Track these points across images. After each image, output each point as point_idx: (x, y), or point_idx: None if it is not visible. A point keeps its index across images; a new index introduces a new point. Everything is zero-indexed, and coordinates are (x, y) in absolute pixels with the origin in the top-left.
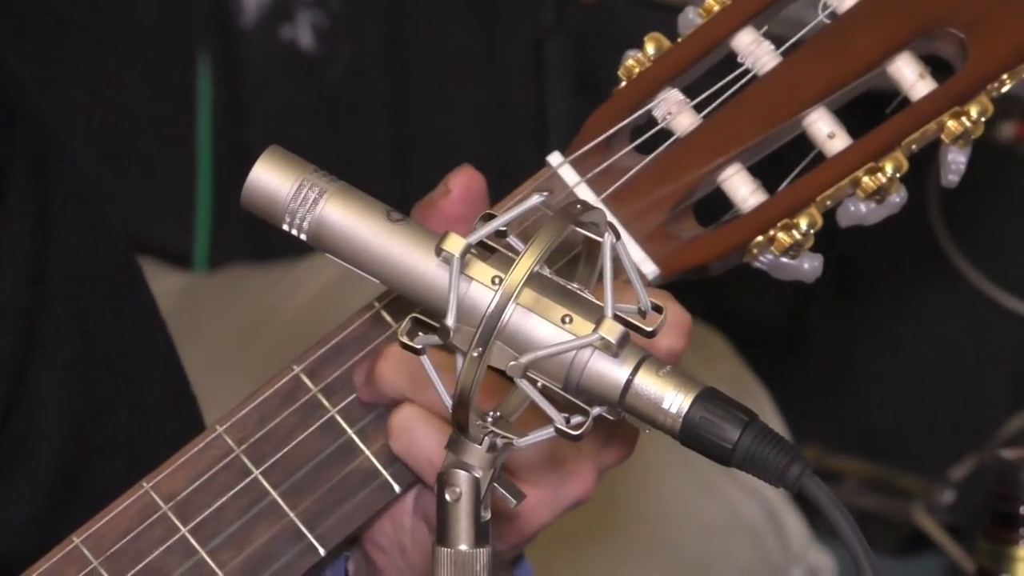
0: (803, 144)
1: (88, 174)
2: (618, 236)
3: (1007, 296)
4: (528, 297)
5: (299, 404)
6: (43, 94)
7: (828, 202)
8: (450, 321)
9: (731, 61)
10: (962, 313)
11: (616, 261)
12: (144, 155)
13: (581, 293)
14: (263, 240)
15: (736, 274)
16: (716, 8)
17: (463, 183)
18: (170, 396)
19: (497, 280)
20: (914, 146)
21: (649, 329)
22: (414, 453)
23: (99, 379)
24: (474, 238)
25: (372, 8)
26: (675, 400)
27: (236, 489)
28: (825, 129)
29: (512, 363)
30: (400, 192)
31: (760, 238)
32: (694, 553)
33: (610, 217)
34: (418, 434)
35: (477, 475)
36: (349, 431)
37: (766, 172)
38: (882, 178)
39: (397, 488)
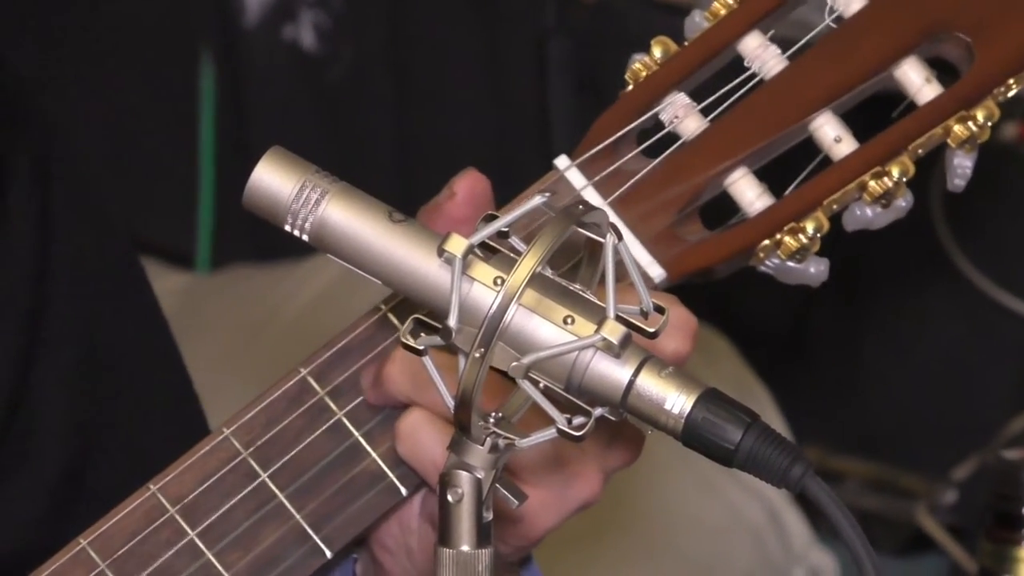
0: (810, 148)
1: (90, 173)
2: (620, 237)
3: (1010, 297)
4: (530, 298)
5: (306, 407)
6: (45, 94)
7: (835, 206)
8: (452, 322)
9: (738, 65)
10: (965, 314)
11: (618, 262)
12: (146, 155)
13: (583, 294)
14: (265, 241)
15: (739, 276)
16: (723, 12)
17: (468, 186)
18: (173, 396)
19: (499, 281)
20: (920, 150)
21: (651, 330)
22: (419, 456)
23: (102, 379)
24: (476, 239)
25: (374, 8)
26: (677, 401)
27: (243, 492)
28: (832, 133)
29: (514, 364)
30: (402, 192)
31: (767, 242)
32: (696, 554)
33: (614, 219)
34: (424, 438)
35: (479, 476)
36: (356, 433)
37: (773, 176)
38: (888, 182)
39: (404, 491)
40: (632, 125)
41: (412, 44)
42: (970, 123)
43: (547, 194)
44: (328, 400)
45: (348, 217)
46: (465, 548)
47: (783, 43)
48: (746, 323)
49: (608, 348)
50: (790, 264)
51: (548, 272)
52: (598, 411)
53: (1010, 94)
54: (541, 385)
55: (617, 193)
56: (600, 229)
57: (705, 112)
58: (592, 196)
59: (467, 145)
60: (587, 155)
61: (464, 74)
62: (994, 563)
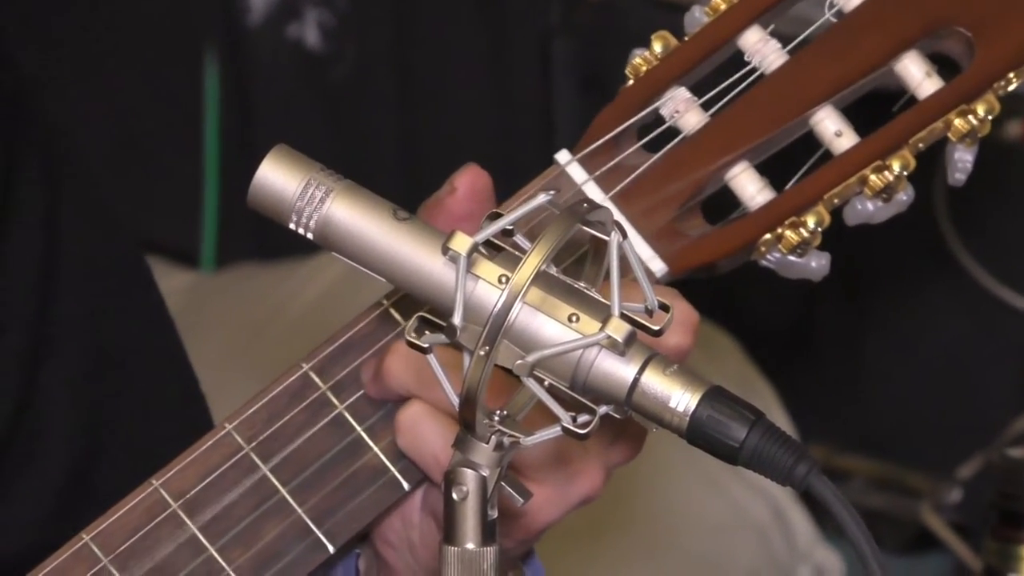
0: (810, 142)
1: (95, 172)
2: (624, 235)
3: (1013, 295)
4: (535, 296)
5: (308, 402)
6: (49, 93)
7: (836, 200)
8: (457, 320)
9: (738, 59)
10: (969, 312)
11: (623, 260)
12: (150, 153)
13: (588, 292)
14: (270, 239)
15: (743, 273)
16: (723, 7)
17: (469, 182)
18: (179, 395)
19: (504, 279)
20: (921, 144)
21: (656, 328)
22: (420, 449)
23: (109, 379)
24: (481, 237)
25: (378, 7)
26: (682, 399)
27: (245, 486)
28: (832, 127)
29: (519, 362)
30: (406, 191)
31: (768, 236)
32: (701, 552)
33: (617, 215)
34: (424, 430)
35: (484, 474)
36: (358, 428)
37: (773, 170)
38: (889, 176)
39: (406, 485)
40: (633, 120)
41: (416, 43)
42: (971, 117)
43: (551, 192)
44: (330, 395)
45: (352, 215)
46: (470, 546)
47: (783, 38)
48: (750, 321)
49: (613, 346)
50: (791, 258)
51: (552, 270)
52: (603, 409)
53: (1011, 88)
54: (546, 383)
55: (618, 188)
56: (604, 227)
57: (706, 107)
58: (593, 191)
59: (471, 143)
60: (588, 150)
61: (468, 73)
62: (999, 561)
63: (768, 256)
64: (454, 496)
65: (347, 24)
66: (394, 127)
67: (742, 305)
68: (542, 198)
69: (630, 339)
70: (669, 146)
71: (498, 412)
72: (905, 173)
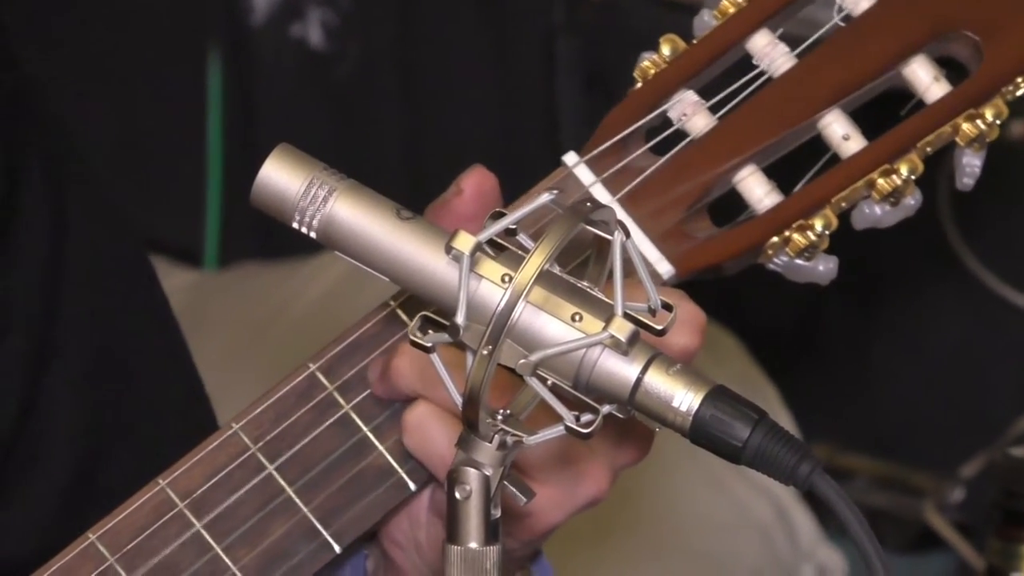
0: (818, 146)
1: (99, 172)
2: (628, 234)
3: (1017, 294)
4: (538, 295)
5: (315, 402)
6: (52, 93)
7: (843, 204)
8: (460, 319)
9: (746, 63)
10: (973, 312)
11: (626, 259)
12: (154, 153)
13: (591, 291)
14: (273, 238)
15: (747, 274)
16: (731, 10)
17: (475, 183)
18: (183, 395)
19: (507, 278)
20: (929, 148)
21: (659, 327)
22: (427, 450)
23: (113, 380)
24: (484, 236)
25: (382, 6)
26: (685, 398)
27: (251, 486)
28: (840, 131)
29: (522, 361)
30: (410, 190)
31: (775, 239)
32: (704, 551)
33: (623, 216)
34: (431, 431)
35: (487, 473)
36: (364, 428)
37: (781, 173)
38: (897, 180)
39: (412, 486)
40: (641, 122)
41: (420, 42)
42: (979, 121)
43: (555, 191)
44: (337, 395)
45: (356, 214)
46: (473, 545)
47: (792, 41)
48: (754, 321)
49: (616, 345)
50: (799, 262)
51: (556, 269)
52: (606, 408)
53: (1019, 92)
54: (549, 382)
55: (626, 190)
56: (608, 226)
57: (713, 110)
58: (601, 193)
59: (475, 143)
60: (596, 152)
61: (472, 72)
62: (1002, 560)
63: (775, 259)
64: (457, 495)
65: (350, 23)
66: (397, 126)
67: (746, 305)
68: (545, 197)
69: (633, 338)
70: (677, 148)
71: (501, 411)
72: (913, 177)
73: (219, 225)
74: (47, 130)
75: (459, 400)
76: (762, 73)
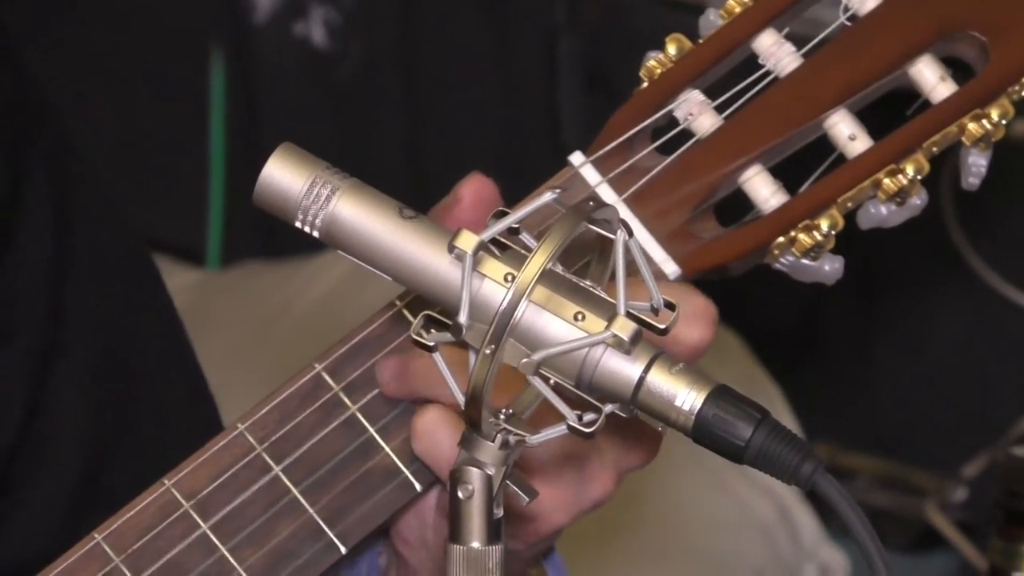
0: (824, 146)
1: (101, 172)
2: (631, 233)
3: (1020, 294)
4: (541, 294)
5: (320, 402)
6: (55, 93)
7: (849, 204)
8: (462, 318)
9: (752, 62)
10: (976, 312)
11: (630, 259)
12: (157, 152)
13: (594, 290)
14: (276, 237)
15: (750, 273)
16: (737, 9)
17: (473, 190)
18: (188, 395)
19: (510, 277)
20: (935, 148)
21: (662, 326)
22: (435, 455)
23: (119, 380)
24: (487, 235)
25: (384, 5)
26: (687, 397)
27: (257, 486)
28: (846, 131)
29: (525, 360)
30: (412, 189)
31: (781, 239)
32: (706, 550)
33: (628, 215)
34: (441, 436)
35: (489, 472)
36: (370, 429)
37: (787, 173)
38: (903, 180)
39: (418, 486)
40: (647, 122)
41: (422, 41)
42: (984, 121)
43: (558, 191)
44: (343, 395)
45: (358, 213)
46: (475, 544)
47: (798, 41)
48: (757, 320)
49: (619, 344)
50: (805, 262)
51: (559, 268)
52: (608, 408)
53: None
54: (552, 382)
55: (632, 190)
56: (611, 225)
57: (720, 109)
58: (607, 193)
59: (477, 142)
60: (602, 152)
61: (474, 71)
62: (1004, 560)
63: (781, 259)
64: (460, 495)
65: (353, 22)
66: (400, 125)
67: (748, 305)
68: (548, 197)
69: (636, 337)
70: (683, 148)
71: (504, 411)
72: (919, 177)
73: (222, 224)
74: (49, 131)
75: (462, 399)
76: (768, 73)
